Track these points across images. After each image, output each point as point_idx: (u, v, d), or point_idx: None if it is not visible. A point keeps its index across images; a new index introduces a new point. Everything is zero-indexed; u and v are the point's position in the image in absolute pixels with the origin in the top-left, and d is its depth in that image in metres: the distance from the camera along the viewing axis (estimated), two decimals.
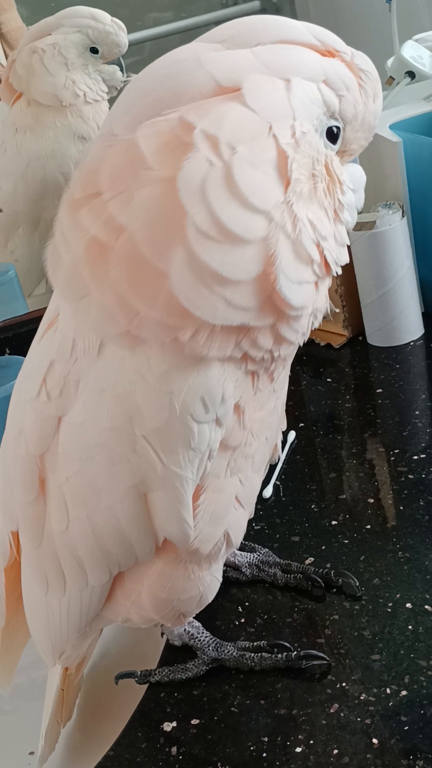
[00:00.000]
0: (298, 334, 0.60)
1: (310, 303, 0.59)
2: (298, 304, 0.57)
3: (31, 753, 0.82)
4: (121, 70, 1.34)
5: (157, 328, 0.55)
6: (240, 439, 0.64)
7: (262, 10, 2.29)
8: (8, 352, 1.22)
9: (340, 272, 0.61)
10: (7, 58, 1.48)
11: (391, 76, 1.42)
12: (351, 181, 0.62)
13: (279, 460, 0.97)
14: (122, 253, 0.54)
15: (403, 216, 1.14)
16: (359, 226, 1.12)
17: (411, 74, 1.39)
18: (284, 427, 0.75)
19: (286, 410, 0.73)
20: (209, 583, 0.69)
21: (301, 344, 0.63)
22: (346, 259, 0.61)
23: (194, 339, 0.56)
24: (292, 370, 0.68)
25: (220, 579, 0.71)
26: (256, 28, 0.58)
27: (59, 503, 0.64)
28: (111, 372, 0.59)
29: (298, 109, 0.56)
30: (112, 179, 0.55)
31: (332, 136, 0.60)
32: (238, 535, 0.69)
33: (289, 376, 0.69)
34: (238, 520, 0.69)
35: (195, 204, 0.53)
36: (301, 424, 1.07)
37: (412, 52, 1.41)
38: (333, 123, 0.60)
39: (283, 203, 0.55)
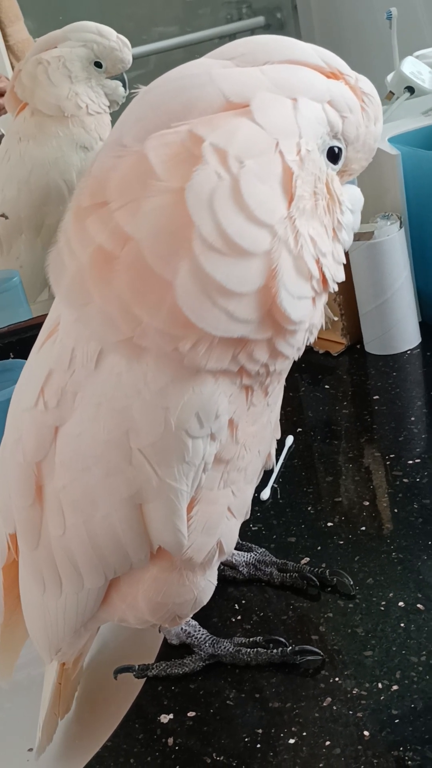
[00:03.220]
0: (293, 349, 0.61)
1: (308, 318, 0.60)
2: (297, 318, 0.58)
3: (30, 749, 0.83)
4: (124, 85, 1.36)
5: (159, 338, 0.56)
6: (233, 453, 0.65)
7: (267, 26, 2.31)
8: (12, 356, 1.24)
9: (336, 289, 0.62)
10: (13, 69, 1.51)
11: (391, 91, 1.44)
12: (350, 202, 0.63)
13: (276, 463, 0.98)
14: (127, 261, 0.55)
15: (401, 227, 1.16)
16: (358, 237, 1.13)
17: (410, 89, 1.42)
18: (278, 436, 0.76)
19: (285, 415, 0.75)
20: (204, 587, 0.71)
21: (296, 359, 0.64)
22: (342, 277, 0.62)
23: (194, 350, 0.56)
24: (290, 377, 0.69)
25: (215, 582, 0.72)
26: (265, 47, 0.59)
27: (56, 510, 0.65)
28: (108, 386, 0.60)
29: (303, 128, 0.57)
30: (120, 189, 0.56)
31: (334, 156, 0.61)
32: (231, 543, 0.71)
33: (288, 383, 0.71)
34: (231, 529, 0.70)
35: (202, 215, 0.53)
36: (299, 429, 1.09)
37: (411, 67, 1.44)
38: (335, 143, 0.61)
39: (286, 218, 0.56)
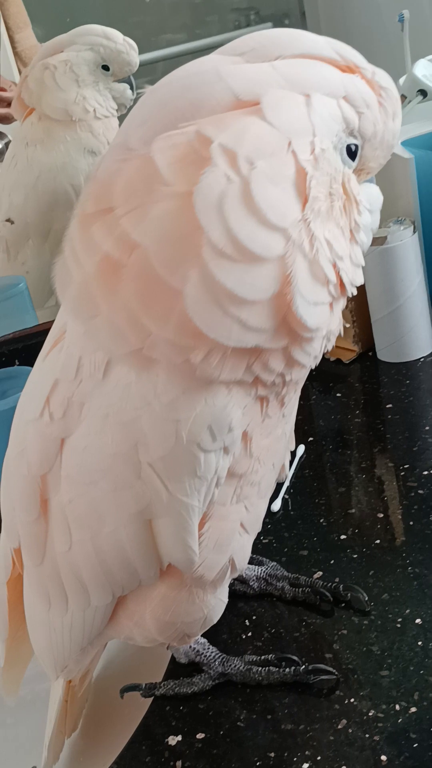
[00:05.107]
0: (310, 357, 0.59)
1: (325, 325, 0.58)
2: (314, 325, 0.56)
3: (34, 767, 0.81)
4: (131, 88, 1.35)
5: (169, 349, 0.54)
6: (246, 467, 0.63)
7: None
8: (18, 363, 1.22)
9: (355, 293, 0.60)
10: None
11: (403, 95, 1.42)
12: (368, 201, 0.60)
13: (287, 475, 0.96)
14: (135, 270, 0.53)
15: (414, 232, 1.13)
16: None
17: (423, 92, 1.40)
18: (293, 447, 0.74)
19: (296, 424, 0.72)
20: (214, 605, 0.68)
21: (314, 367, 0.61)
22: (361, 280, 0.60)
23: (206, 361, 0.54)
24: None
25: (226, 600, 0.70)
26: (277, 42, 0.57)
27: (62, 524, 0.63)
28: (116, 397, 0.58)
29: (317, 126, 0.55)
30: (126, 194, 0.54)
31: (350, 154, 0.58)
32: (243, 560, 0.68)
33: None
34: (243, 545, 0.68)
35: (212, 220, 0.51)
36: (311, 439, 1.07)
37: (424, 70, 1.42)
38: (352, 140, 0.58)
39: (300, 221, 0.53)
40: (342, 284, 0.58)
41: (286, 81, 0.55)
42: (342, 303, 0.60)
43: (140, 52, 1.35)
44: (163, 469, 0.58)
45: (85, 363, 0.59)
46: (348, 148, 0.58)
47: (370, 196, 0.62)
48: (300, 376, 0.62)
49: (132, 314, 0.54)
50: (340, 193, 0.57)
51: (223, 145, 0.52)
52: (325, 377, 1.20)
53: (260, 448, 0.63)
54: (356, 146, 0.59)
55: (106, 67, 1.33)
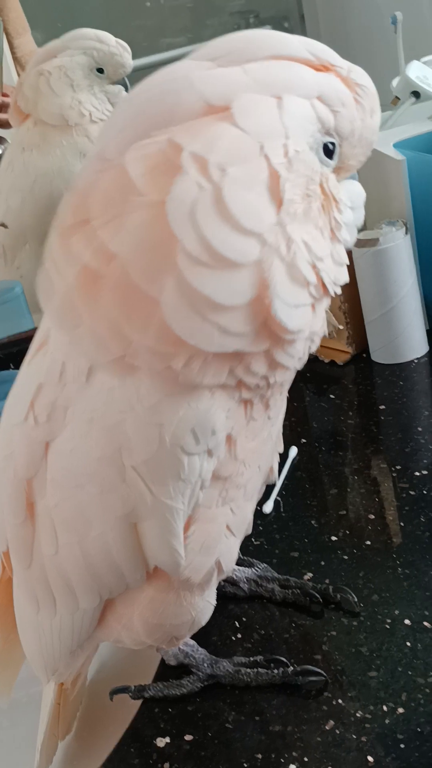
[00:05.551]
0: (293, 359, 0.59)
1: (307, 326, 0.58)
2: (295, 327, 0.56)
3: None
4: (126, 90, 1.35)
5: (150, 356, 0.54)
6: (231, 470, 0.63)
7: None
8: (12, 367, 1.23)
9: (339, 292, 0.59)
10: None
11: (396, 96, 1.42)
12: (349, 199, 0.60)
13: (279, 476, 0.96)
14: (113, 280, 0.53)
15: (406, 233, 1.14)
16: (363, 243, 1.12)
17: (416, 94, 1.40)
18: (281, 450, 0.74)
19: (289, 426, 0.72)
20: (202, 608, 0.68)
21: (299, 369, 0.61)
22: (345, 279, 0.59)
23: (188, 367, 0.54)
24: (295, 387, 0.67)
25: (214, 603, 0.70)
26: (248, 44, 0.56)
27: (48, 528, 0.63)
28: (100, 402, 0.58)
29: (290, 128, 0.54)
30: (102, 205, 0.54)
31: (328, 152, 0.58)
32: (230, 562, 0.68)
33: (292, 392, 0.68)
34: (230, 548, 0.68)
35: (185, 229, 0.51)
36: (303, 440, 1.07)
37: (417, 72, 1.42)
38: (328, 139, 0.58)
39: (276, 225, 0.53)
40: (324, 284, 0.58)
41: (258, 84, 0.54)
42: (325, 303, 0.60)
43: (140, 55, 1.35)
44: (147, 473, 0.58)
45: (69, 367, 0.59)
46: (325, 147, 0.58)
47: (352, 193, 0.61)
48: (285, 379, 0.62)
49: (113, 323, 0.54)
50: (318, 194, 0.57)
51: (194, 153, 0.52)
52: (319, 379, 1.21)
53: (245, 451, 0.63)
54: (334, 145, 0.59)
55: (100, 70, 1.33)
